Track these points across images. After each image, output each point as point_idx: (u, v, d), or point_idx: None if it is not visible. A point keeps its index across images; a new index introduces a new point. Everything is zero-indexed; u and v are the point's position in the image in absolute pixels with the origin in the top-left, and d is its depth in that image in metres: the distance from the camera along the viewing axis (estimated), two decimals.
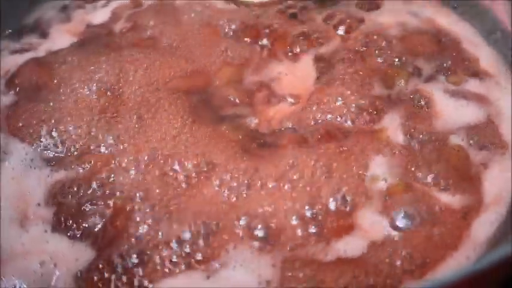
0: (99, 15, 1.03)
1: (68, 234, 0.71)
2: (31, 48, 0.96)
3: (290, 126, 0.82)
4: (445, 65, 0.91)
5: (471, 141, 0.80)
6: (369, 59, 0.91)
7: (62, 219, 0.72)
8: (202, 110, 0.84)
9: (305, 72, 0.91)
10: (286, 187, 0.73)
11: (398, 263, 0.66)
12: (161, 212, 0.71)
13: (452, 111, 0.84)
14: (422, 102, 0.85)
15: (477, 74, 0.91)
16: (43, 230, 0.71)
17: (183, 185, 0.74)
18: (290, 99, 0.87)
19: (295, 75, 0.91)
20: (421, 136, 0.79)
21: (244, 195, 0.72)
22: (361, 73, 0.89)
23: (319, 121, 0.82)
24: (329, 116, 0.82)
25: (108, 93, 0.85)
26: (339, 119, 0.82)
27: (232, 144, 0.78)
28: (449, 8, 1.02)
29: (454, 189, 0.73)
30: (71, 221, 0.72)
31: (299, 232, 0.69)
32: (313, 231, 0.69)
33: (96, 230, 0.71)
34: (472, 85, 0.89)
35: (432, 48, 0.95)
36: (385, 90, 0.87)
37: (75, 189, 0.74)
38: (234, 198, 0.72)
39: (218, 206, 0.71)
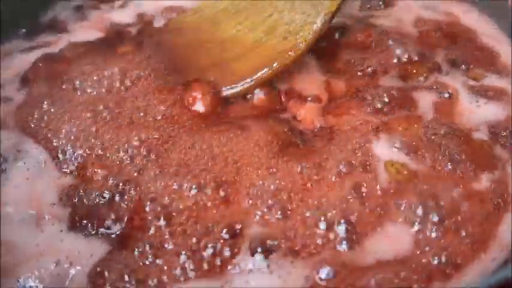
0: (117, 15, 1.03)
1: (83, 232, 0.70)
2: (46, 46, 0.96)
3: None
4: (465, 60, 0.90)
5: (493, 137, 0.78)
6: (388, 55, 0.89)
7: (77, 218, 0.71)
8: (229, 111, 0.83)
9: (321, 71, 0.89)
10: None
11: (426, 264, 0.65)
12: (178, 213, 0.70)
13: (473, 107, 0.82)
14: (443, 98, 0.83)
15: (498, 69, 0.89)
16: (58, 230, 0.71)
17: (202, 189, 0.72)
18: (312, 100, 0.85)
19: (314, 74, 0.89)
20: (442, 131, 0.77)
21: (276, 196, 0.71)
22: (379, 69, 0.87)
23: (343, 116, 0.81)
24: (352, 110, 0.81)
25: (127, 92, 0.83)
26: (362, 113, 0.81)
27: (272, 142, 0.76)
28: (469, 3, 1.01)
29: (480, 185, 0.72)
30: (85, 221, 0.71)
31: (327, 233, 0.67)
32: (343, 231, 0.67)
33: (111, 229, 0.70)
34: (493, 80, 0.87)
35: (452, 44, 0.93)
36: (404, 86, 0.85)
37: (90, 189, 0.73)
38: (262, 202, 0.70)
39: (242, 209, 0.70)
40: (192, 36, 0.91)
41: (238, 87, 0.83)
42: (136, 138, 0.77)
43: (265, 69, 0.82)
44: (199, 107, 0.82)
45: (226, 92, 0.83)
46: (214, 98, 0.83)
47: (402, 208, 0.69)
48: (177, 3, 1.04)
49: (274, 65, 0.82)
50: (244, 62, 0.84)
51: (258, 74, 0.82)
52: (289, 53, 0.82)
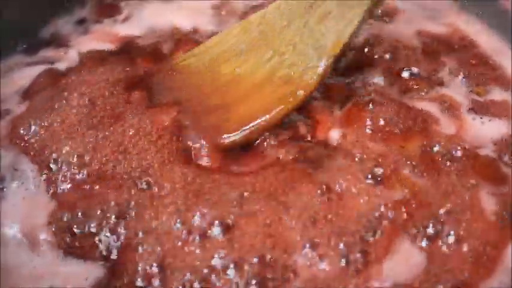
0: (119, 29, 1.00)
1: (79, 256, 0.69)
2: (47, 61, 0.94)
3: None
4: (468, 74, 0.88)
5: (499, 154, 0.77)
6: (391, 69, 0.88)
7: (74, 241, 0.70)
8: None
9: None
10: None
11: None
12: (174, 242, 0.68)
13: (478, 123, 0.81)
14: (448, 114, 0.82)
15: (502, 83, 0.88)
16: (54, 253, 0.69)
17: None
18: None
19: None
20: (448, 149, 0.76)
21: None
22: (383, 83, 0.86)
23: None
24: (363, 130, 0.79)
25: (132, 114, 0.80)
26: (368, 131, 0.79)
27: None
28: (474, 16, 0.99)
29: (489, 205, 0.70)
30: (82, 244, 0.70)
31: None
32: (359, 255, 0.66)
33: (106, 251, 0.69)
34: (497, 95, 0.86)
35: (455, 57, 0.92)
36: (409, 102, 0.83)
37: (87, 211, 0.72)
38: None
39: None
40: (190, 79, 0.86)
41: (238, 135, 0.78)
42: (137, 164, 0.75)
43: (264, 117, 0.78)
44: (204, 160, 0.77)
45: (227, 139, 0.78)
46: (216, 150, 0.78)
47: (408, 228, 0.68)
48: (179, 23, 1.01)
49: (273, 112, 0.78)
50: (244, 107, 0.80)
51: (257, 121, 0.78)
52: (290, 99, 0.78)
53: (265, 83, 0.81)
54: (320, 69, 0.79)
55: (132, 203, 0.71)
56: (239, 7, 1.03)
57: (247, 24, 0.86)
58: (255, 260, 0.66)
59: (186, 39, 0.96)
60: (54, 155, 0.77)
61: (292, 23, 0.83)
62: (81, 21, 1.02)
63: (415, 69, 0.88)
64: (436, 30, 0.97)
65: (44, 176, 0.76)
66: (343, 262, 0.65)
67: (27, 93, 0.87)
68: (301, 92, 0.79)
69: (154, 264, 0.67)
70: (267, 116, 0.78)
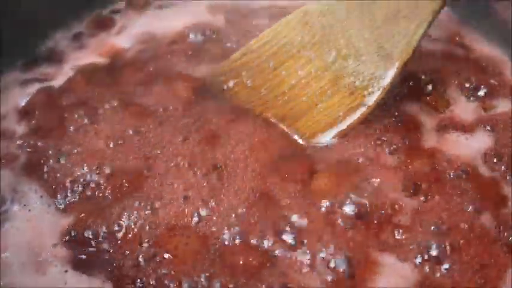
0: (117, 40, 1.00)
1: (86, 275, 0.69)
2: (44, 78, 0.93)
3: None
4: (477, 89, 0.88)
5: (502, 172, 0.77)
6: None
7: (80, 260, 0.70)
8: None
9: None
10: None
11: None
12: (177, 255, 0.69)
13: (482, 139, 0.81)
14: (453, 131, 0.82)
15: (506, 95, 0.87)
16: (60, 272, 0.69)
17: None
18: None
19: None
20: (451, 167, 0.76)
21: None
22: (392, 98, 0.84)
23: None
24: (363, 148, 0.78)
25: (137, 130, 0.81)
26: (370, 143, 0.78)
27: None
28: (473, 28, 0.98)
29: (489, 223, 0.71)
30: (88, 263, 0.70)
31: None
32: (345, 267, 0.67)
33: (114, 268, 0.69)
34: (502, 108, 0.86)
35: (463, 72, 0.90)
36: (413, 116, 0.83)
37: (91, 229, 0.72)
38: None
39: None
40: (247, 80, 0.81)
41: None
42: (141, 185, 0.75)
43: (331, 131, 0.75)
44: None
45: None
46: None
47: (407, 246, 0.68)
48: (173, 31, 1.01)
49: (340, 127, 0.75)
50: (307, 120, 0.76)
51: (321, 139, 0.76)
52: (356, 111, 0.74)
53: (330, 92, 0.74)
54: (386, 81, 0.72)
55: (141, 220, 0.72)
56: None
57: (305, 14, 0.77)
58: None
59: (180, 48, 0.95)
60: (57, 175, 0.77)
61: (356, 17, 0.74)
62: (77, 36, 1.01)
63: (426, 86, 0.87)
64: (437, 42, 0.96)
65: (48, 197, 0.75)
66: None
67: (25, 112, 0.87)
68: (363, 109, 0.74)
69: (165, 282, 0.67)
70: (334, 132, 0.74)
